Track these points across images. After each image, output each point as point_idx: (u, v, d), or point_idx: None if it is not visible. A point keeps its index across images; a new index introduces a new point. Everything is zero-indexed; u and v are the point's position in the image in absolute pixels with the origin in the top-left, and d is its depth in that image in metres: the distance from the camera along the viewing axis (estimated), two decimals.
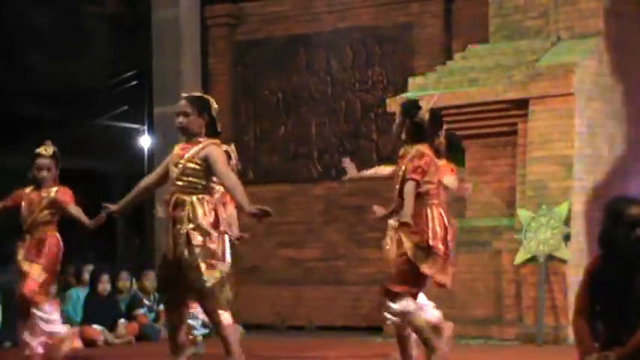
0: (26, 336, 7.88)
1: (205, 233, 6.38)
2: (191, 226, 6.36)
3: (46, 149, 7.99)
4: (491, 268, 10.44)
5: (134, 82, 14.89)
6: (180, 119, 6.60)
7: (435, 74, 11.34)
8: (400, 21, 12.81)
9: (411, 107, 6.90)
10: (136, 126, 15.28)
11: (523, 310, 10.04)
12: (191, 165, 6.48)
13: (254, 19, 13.80)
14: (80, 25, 14.36)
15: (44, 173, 7.95)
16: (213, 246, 6.42)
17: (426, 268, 6.71)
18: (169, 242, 6.42)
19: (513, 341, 9.98)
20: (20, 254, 7.96)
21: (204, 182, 6.51)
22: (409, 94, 11.15)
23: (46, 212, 7.92)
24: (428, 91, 11.01)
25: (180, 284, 6.46)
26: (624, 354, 5.17)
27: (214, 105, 6.79)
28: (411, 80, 11.44)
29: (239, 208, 6.97)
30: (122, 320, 11.05)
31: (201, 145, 6.54)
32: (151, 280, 11.27)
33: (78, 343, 10.33)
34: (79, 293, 11.37)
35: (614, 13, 10.64)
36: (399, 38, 12.80)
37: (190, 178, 6.47)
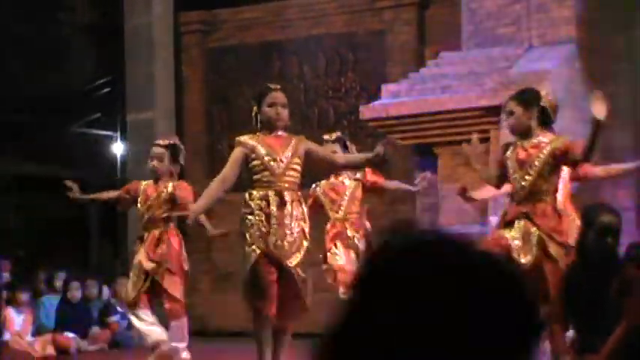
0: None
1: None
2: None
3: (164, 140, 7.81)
4: None
5: (107, 90, 14.85)
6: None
7: (409, 81, 11.38)
8: (373, 28, 12.85)
9: (534, 95, 6.58)
10: (108, 133, 15.24)
11: None
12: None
13: (227, 26, 13.79)
14: (55, 33, 14.31)
15: (154, 163, 7.79)
16: None
17: None
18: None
19: None
20: (141, 253, 7.74)
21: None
22: (382, 102, 11.19)
23: (164, 208, 7.73)
24: (401, 98, 11.05)
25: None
26: None
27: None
28: (384, 87, 11.46)
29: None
30: (95, 327, 11.02)
31: None
32: (124, 286, 11.25)
33: (50, 350, 10.31)
34: (51, 300, 11.33)
35: (585, 20, 10.71)
36: (372, 45, 12.83)
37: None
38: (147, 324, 7.75)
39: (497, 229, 6.40)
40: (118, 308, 11.29)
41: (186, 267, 7.88)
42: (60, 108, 14.14)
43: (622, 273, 5.35)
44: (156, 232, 7.74)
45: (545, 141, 6.31)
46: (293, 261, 6.38)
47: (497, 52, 11.02)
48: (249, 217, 6.40)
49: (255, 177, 6.48)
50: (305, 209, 6.52)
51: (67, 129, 14.68)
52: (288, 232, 6.36)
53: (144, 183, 8.01)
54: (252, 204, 6.43)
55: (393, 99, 11.11)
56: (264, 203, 6.38)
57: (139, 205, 7.89)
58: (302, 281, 6.43)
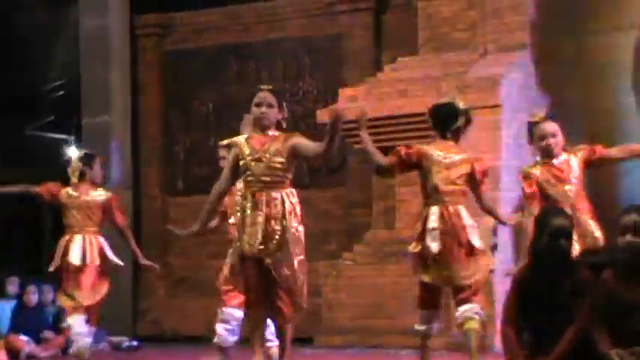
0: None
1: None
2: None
3: None
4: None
5: (62, 92, 14.76)
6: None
7: (365, 85, 11.42)
8: (330, 32, 12.87)
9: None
10: (63, 136, 15.13)
11: (451, 319, 10.12)
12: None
13: (183, 29, 13.76)
14: (10, 34, 14.20)
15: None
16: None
17: None
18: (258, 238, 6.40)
19: (442, 350, 10.06)
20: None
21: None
22: (339, 105, 11.21)
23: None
24: (358, 102, 11.09)
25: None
26: None
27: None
28: (341, 91, 11.50)
29: None
30: (49, 332, 10.94)
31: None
32: None
33: (2, 356, 10.21)
34: (4, 306, 11.25)
35: (539, 26, 10.81)
36: (330, 49, 12.86)
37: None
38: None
39: None
40: None
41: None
42: (14, 110, 14.03)
43: (574, 276, 5.41)
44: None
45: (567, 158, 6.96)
46: (271, 260, 6.38)
47: (452, 56, 11.10)
48: (237, 215, 6.54)
49: (243, 177, 6.53)
50: (292, 207, 6.47)
51: (21, 131, 14.57)
52: (260, 232, 6.37)
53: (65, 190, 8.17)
54: (238, 204, 6.53)
55: (351, 103, 11.15)
56: (244, 203, 6.47)
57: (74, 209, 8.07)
58: (286, 280, 6.42)
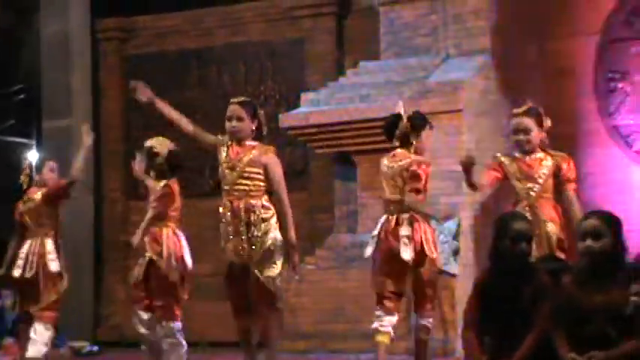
0: None
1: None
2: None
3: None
4: None
5: (22, 96, 14.65)
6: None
7: (328, 90, 11.42)
8: (292, 36, 12.87)
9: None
10: (24, 140, 15.01)
11: (412, 324, 10.14)
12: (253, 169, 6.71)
13: (145, 33, 13.70)
14: None
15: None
16: None
17: None
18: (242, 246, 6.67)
19: (403, 355, 10.07)
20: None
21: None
22: (302, 110, 11.21)
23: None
24: (320, 106, 11.09)
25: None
26: None
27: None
28: (303, 95, 11.49)
29: None
30: (8, 338, 10.85)
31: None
32: None
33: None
34: None
35: (500, 31, 10.86)
36: (292, 54, 12.86)
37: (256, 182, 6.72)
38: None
39: None
40: None
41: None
42: None
43: (534, 280, 5.43)
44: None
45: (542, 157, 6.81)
46: (256, 265, 6.70)
47: (414, 61, 11.12)
48: (220, 226, 6.82)
49: (222, 184, 6.81)
50: (270, 214, 6.70)
51: None
52: (244, 238, 6.66)
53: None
54: (220, 213, 6.79)
55: (313, 107, 11.16)
56: (224, 211, 6.75)
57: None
58: (268, 283, 6.72)
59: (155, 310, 7.57)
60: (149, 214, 7.64)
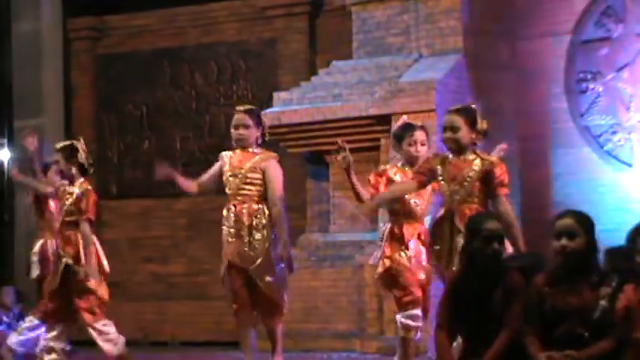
0: None
1: None
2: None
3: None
4: (354, 282, 10.53)
5: None
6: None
7: (300, 90, 11.42)
8: (265, 36, 12.86)
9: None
10: None
11: (385, 323, 10.16)
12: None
13: (118, 33, 13.65)
14: None
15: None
16: None
17: None
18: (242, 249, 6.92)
19: (375, 354, 10.09)
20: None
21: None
22: (274, 109, 11.21)
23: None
24: (293, 106, 11.09)
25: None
26: None
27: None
28: (275, 95, 11.49)
29: None
30: None
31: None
32: (10, 295, 11.06)
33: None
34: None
35: (472, 31, 10.89)
36: (264, 53, 12.85)
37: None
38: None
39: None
40: (4, 318, 11.08)
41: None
42: None
43: (506, 280, 5.44)
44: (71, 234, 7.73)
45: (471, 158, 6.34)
46: (254, 267, 6.90)
47: (387, 61, 11.13)
48: (223, 228, 7.02)
49: (226, 189, 7.05)
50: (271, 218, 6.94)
51: None
52: (246, 242, 6.90)
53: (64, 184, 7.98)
54: (224, 216, 7.02)
55: (285, 107, 11.15)
56: (227, 215, 7.00)
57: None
58: (267, 285, 6.93)
59: (80, 314, 7.59)
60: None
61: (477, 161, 6.28)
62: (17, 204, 13.16)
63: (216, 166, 7.14)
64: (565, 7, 11.09)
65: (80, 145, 7.90)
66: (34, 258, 8.50)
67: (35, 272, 8.48)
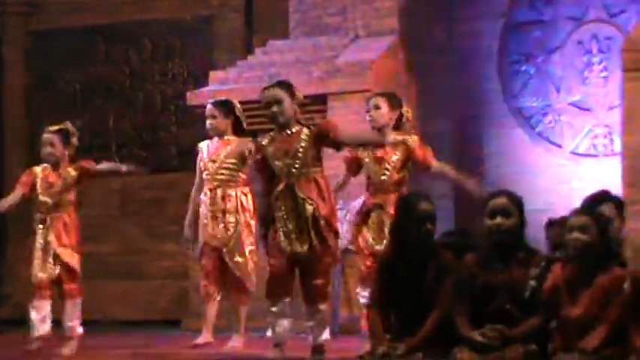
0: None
1: None
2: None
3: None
4: None
5: None
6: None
7: (236, 68, 11.37)
8: (201, 14, 12.76)
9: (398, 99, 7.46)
10: None
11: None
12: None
13: (51, 9, 13.46)
14: None
15: (48, 149, 7.84)
16: None
17: None
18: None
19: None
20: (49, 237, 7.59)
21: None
22: (210, 88, 11.15)
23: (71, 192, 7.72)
24: (229, 85, 11.04)
25: None
26: (413, 344, 5.34)
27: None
28: (212, 74, 11.42)
29: None
30: None
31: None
32: None
33: None
34: None
35: (408, 12, 10.91)
36: (200, 31, 12.76)
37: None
38: (41, 317, 7.59)
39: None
40: None
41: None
42: None
43: (437, 259, 5.49)
44: (65, 217, 7.61)
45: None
46: (227, 248, 7.35)
47: (323, 41, 11.12)
48: (200, 210, 7.44)
49: (203, 175, 7.47)
50: (246, 202, 7.37)
51: None
52: (221, 224, 7.33)
53: (38, 169, 7.85)
54: (201, 200, 7.44)
55: (221, 86, 11.09)
56: (204, 199, 7.41)
57: (39, 190, 7.72)
58: (236, 265, 7.35)
59: (65, 292, 7.56)
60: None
61: (305, 130, 6.35)
62: None
63: (197, 168, 7.56)
64: None
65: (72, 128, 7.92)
66: None
67: None
